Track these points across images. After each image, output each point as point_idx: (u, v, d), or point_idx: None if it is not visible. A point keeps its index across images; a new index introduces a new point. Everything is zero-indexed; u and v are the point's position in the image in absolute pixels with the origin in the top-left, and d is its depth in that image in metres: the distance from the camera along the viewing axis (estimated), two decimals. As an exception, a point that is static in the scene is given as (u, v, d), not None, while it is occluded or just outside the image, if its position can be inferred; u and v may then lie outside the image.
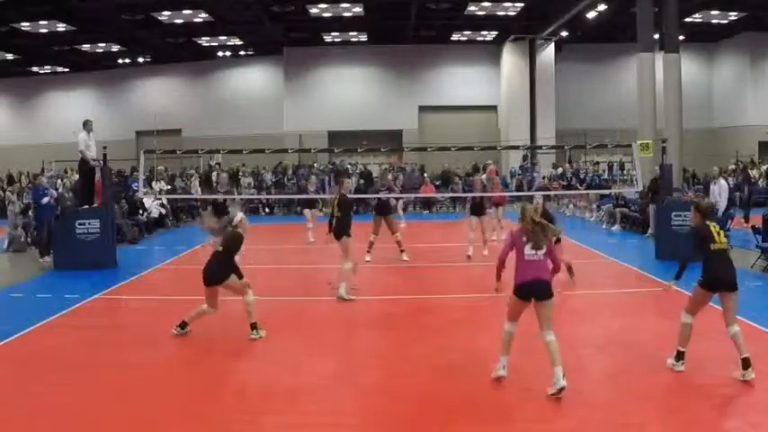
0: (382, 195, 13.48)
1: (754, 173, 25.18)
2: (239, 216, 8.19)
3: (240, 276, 7.76)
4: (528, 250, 5.98)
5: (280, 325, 8.46)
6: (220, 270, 7.61)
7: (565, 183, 24.71)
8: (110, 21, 25.15)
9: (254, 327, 7.65)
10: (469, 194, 20.15)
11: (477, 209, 13.02)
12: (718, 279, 6.32)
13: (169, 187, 21.83)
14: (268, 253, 14.43)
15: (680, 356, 6.43)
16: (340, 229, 9.68)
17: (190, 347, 7.48)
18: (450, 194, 24.05)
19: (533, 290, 6.00)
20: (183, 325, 7.75)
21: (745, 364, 6.04)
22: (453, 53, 31.43)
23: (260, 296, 9.84)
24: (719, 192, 13.16)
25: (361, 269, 10.55)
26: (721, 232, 6.45)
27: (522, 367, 6.67)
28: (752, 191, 21.04)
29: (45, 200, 13.57)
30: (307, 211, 16.41)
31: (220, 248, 7.77)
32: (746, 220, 16.59)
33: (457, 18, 26.93)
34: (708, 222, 6.45)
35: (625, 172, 23.75)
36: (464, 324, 8.43)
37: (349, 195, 10.78)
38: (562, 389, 5.62)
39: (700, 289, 6.47)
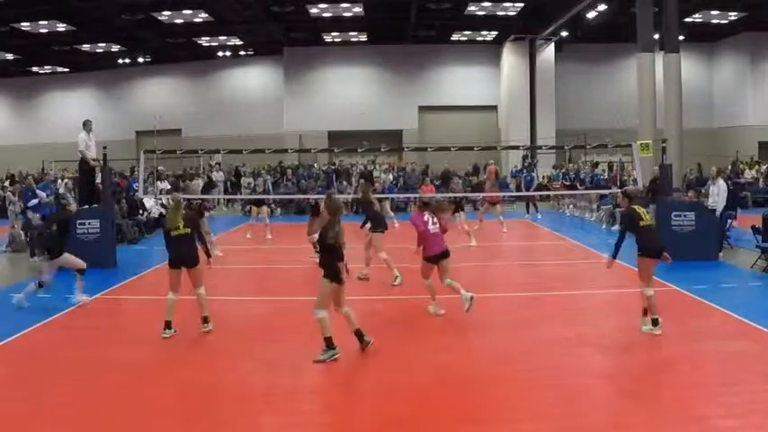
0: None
1: (752, 172, 25.18)
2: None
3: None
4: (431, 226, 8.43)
5: (279, 325, 8.46)
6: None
7: (568, 183, 24.69)
8: (110, 21, 25.17)
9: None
10: (470, 194, 20.28)
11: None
12: (653, 248, 7.59)
13: (169, 187, 21.81)
14: (268, 253, 14.43)
15: (656, 323, 7.48)
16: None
17: (189, 347, 7.48)
18: (450, 194, 24.01)
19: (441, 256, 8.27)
20: (205, 320, 7.93)
21: (655, 322, 7.47)
22: (453, 53, 31.44)
23: (260, 296, 9.88)
24: (718, 192, 13.16)
25: (359, 269, 10.56)
26: (648, 212, 7.81)
27: (522, 367, 6.68)
28: (736, 189, 20.90)
29: (34, 202, 13.55)
30: (255, 209, 16.62)
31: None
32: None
33: (457, 18, 26.93)
34: (634, 206, 7.75)
35: (625, 172, 23.72)
36: (462, 324, 8.42)
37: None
38: (472, 298, 7.86)
39: (643, 259, 7.66)
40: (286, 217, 22.52)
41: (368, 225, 11.15)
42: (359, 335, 6.88)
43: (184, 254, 7.79)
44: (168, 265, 7.85)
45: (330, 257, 6.76)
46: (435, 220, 8.61)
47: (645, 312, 7.65)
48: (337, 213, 6.86)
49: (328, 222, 6.82)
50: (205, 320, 7.87)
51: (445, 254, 8.51)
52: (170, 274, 7.80)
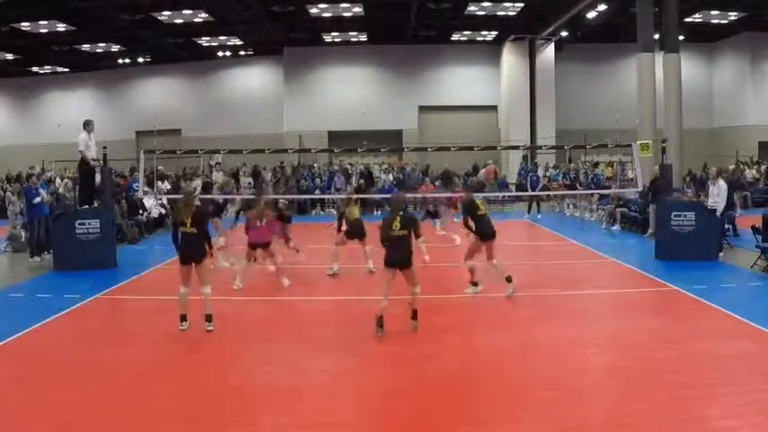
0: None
1: (753, 172, 25.18)
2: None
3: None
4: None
5: (279, 325, 8.46)
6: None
7: (568, 182, 24.70)
8: (110, 21, 25.18)
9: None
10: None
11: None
12: (486, 233, 9.30)
13: (169, 187, 21.81)
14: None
15: (475, 284, 9.55)
16: None
17: (189, 347, 7.48)
18: (450, 194, 24.00)
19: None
20: (208, 318, 7.95)
21: (509, 279, 9.34)
22: (453, 53, 31.45)
23: (260, 296, 9.88)
24: (718, 192, 13.12)
25: (359, 270, 10.58)
26: (483, 203, 9.53)
27: (522, 367, 6.68)
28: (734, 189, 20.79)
29: (37, 200, 13.57)
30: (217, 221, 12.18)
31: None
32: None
33: (457, 18, 26.93)
34: (473, 197, 9.47)
35: (628, 173, 23.75)
36: (464, 324, 8.43)
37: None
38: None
39: (476, 240, 9.37)
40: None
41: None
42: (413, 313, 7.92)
43: (192, 249, 7.86)
44: (178, 260, 7.97)
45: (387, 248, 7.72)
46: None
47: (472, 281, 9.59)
48: (396, 210, 7.82)
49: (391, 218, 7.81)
50: (208, 319, 7.89)
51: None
52: (180, 269, 7.94)
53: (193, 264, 7.87)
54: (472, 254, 9.44)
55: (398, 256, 7.60)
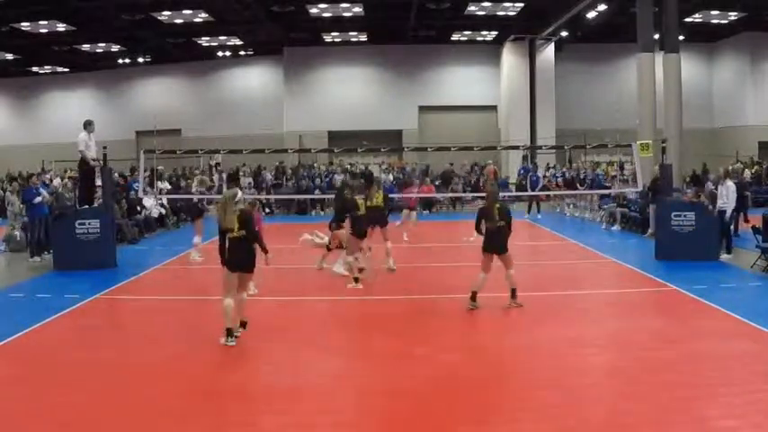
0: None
1: (753, 172, 25.16)
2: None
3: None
4: None
5: (280, 325, 8.46)
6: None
7: (567, 181, 24.70)
8: (110, 21, 25.15)
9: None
10: (470, 194, 20.26)
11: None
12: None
13: (170, 187, 21.83)
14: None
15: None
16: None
17: (189, 347, 7.47)
18: (450, 194, 24.05)
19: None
20: (243, 324, 7.64)
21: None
22: (453, 53, 31.42)
23: (260, 296, 9.86)
24: (726, 193, 12.98)
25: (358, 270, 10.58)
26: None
27: (522, 367, 6.68)
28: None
29: (37, 200, 13.58)
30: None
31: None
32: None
33: (457, 18, 26.91)
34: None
35: (624, 172, 23.75)
36: (464, 324, 8.44)
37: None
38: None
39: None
40: (286, 217, 22.52)
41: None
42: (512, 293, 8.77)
43: (242, 258, 7.38)
44: (225, 267, 7.46)
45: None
46: None
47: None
48: (494, 201, 8.74)
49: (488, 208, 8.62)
50: (242, 325, 7.59)
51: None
52: (227, 276, 7.41)
53: (241, 273, 7.42)
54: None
55: (497, 242, 8.66)
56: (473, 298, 8.70)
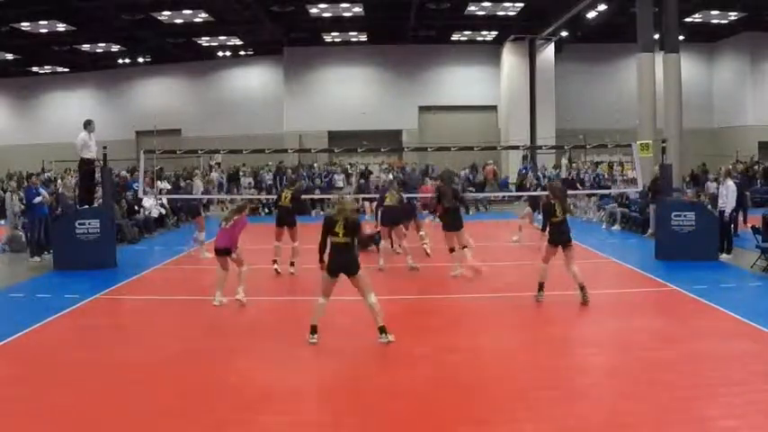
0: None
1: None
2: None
3: None
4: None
5: (280, 325, 8.46)
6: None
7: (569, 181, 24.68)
8: (110, 21, 25.16)
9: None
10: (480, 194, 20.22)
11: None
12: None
13: (170, 187, 21.83)
14: (268, 253, 14.39)
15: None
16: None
17: (189, 347, 7.47)
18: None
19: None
20: (382, 330, 7.37)
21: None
22: (453, 53, 31.42)
23: (260, 296, 9.87)
24: (727, 193, 12.99)
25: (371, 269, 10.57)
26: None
27: (522, 367, 6.68)
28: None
29: (37, 200, 13.58)
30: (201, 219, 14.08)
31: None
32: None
33: (457, 18, 26.92)
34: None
35: (624, 172, 23.76)
36: (464, 324, 8.43)
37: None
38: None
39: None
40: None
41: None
42: (581, 288, 8.92)
43: (343, 261, 7.24)
44: (325, 271, 7.31)
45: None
46: None
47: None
48: (556, 196, 9.13)
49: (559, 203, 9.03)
50: (382, 331, 7.28)
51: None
52: (325, 279, 7.31)
53: (347, 276, 7.25)
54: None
55: (563, 235, 9.00)
56: (540, 288, 9.17)
